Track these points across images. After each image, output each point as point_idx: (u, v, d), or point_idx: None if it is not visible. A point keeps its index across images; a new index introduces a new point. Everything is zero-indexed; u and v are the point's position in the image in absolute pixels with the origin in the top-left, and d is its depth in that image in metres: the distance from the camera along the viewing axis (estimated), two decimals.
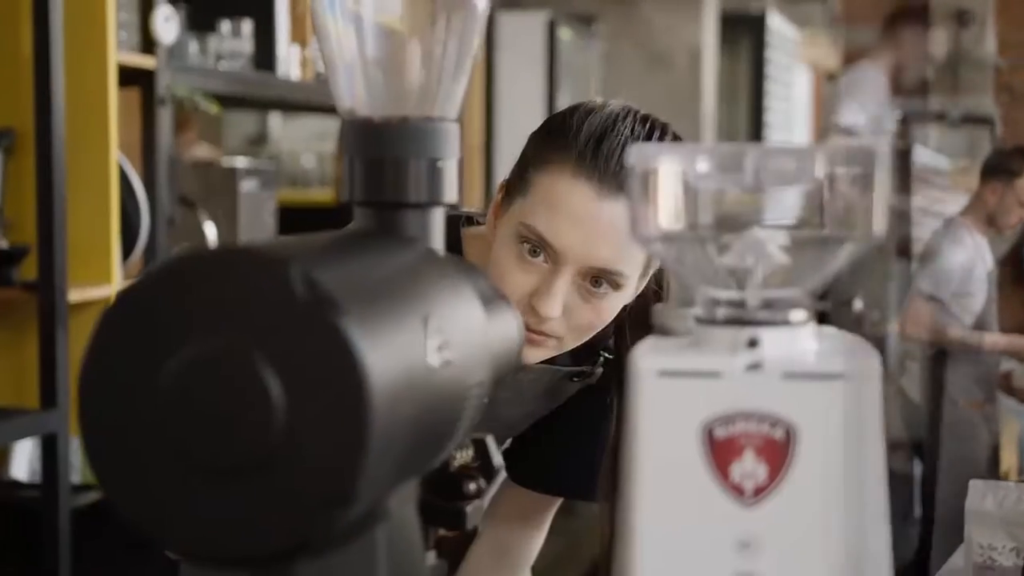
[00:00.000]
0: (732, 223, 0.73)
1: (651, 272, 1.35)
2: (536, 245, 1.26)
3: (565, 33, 4.97)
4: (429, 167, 0.82)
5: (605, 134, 1.27)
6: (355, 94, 0.83)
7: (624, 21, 5.47)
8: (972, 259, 4.03)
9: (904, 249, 4.52)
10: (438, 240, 0.83)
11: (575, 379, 1.44)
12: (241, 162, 3.06)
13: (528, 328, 1.26)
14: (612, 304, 1.29)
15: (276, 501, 0.61)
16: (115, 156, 2.50)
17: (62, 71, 2.37)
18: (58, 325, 2.31)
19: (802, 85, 8.99)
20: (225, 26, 3.01)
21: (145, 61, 2.64)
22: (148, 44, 2.65)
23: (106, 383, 0.64)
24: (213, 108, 2.73)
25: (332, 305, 0.61)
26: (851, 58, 9.87)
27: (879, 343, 4.22)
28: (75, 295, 2.41)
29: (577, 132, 1.27)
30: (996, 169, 4.13)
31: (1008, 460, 4.19)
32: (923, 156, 4.98)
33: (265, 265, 0.62)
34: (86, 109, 2.46)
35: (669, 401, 0.69)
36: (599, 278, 1.26)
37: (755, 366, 0.68)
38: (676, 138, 1.37)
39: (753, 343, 0.69)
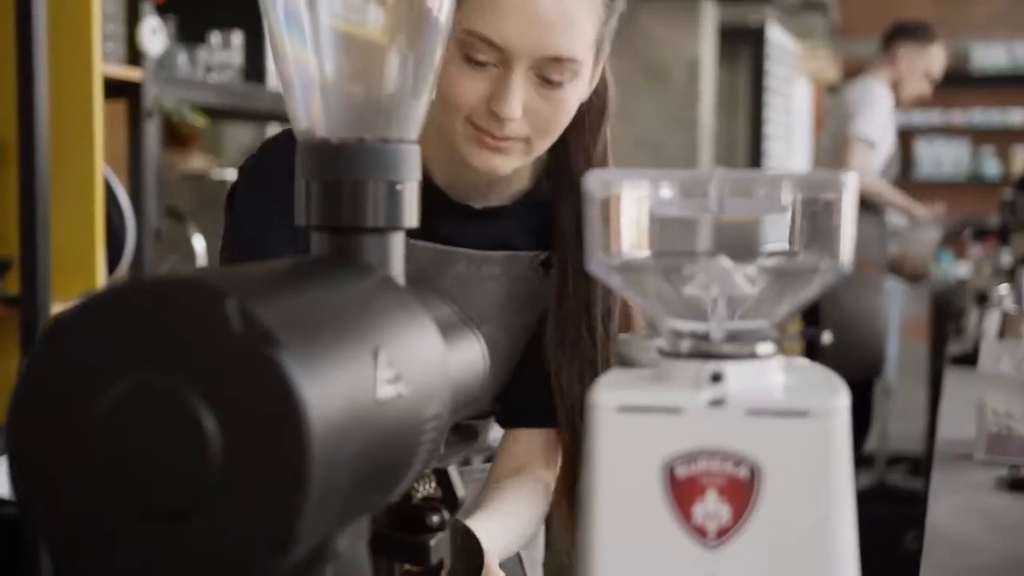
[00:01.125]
0: (696, 251, 0.70)
1: (603, 60, 1.32)
2: (481, 51, 1.21)
3: None
4: (388, 190, 0.79)
5: None
6: (312, 114, 0.81)
7: (622, 34, 5.43)
8: (890, 107, 4.41)
9: None
10: (398, 266, 0.80)
11: (541, 268, 1.40)
12: (233, 174, 3.03)
13: (492, 136, 1.24)
14: (570, 95, 1.25)
15: (212, 544, 0.59)
16: (100, 168, 2.47)
17: (46, 82, 2.34)
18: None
19: (802, 97, 8.96)
20: (215, 37, 2.98)
21: (131, 73, 2.61)
22: (135, 56, 2.63)
23: (37, 414, 0.61)
24: (199, 121, 2.71)
25: (269, 339, 0.58)
26: (851, 70, 9.86)
27: None
28: (58, 309, 2.38)
29: None
30: (910, 34, 4.52)
31: None
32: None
33: (202, 297, 0.59)
34: (71, 121, 2.44)
35: (629, 438, 0.66)
36: (552, 70, 1.22)
37: (718, 402, 0.66)
38: None
39: (716, 377, 0.67)
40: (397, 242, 0.80)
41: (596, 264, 0.69)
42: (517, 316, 1.39)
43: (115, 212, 2.53)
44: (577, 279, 1.34)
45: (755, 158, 7.45)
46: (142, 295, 0.60)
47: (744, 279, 0.68)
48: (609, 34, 1.30)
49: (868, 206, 4.56)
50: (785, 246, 0.69)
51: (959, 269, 8.68)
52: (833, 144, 4.47)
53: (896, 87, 4.51)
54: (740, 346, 0.68)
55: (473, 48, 1.21)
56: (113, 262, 2.55)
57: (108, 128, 2.54)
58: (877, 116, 4.41)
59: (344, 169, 0.78)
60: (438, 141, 1.32)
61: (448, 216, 1.37)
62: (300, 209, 0.80)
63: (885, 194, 4.53)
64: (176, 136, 3.34)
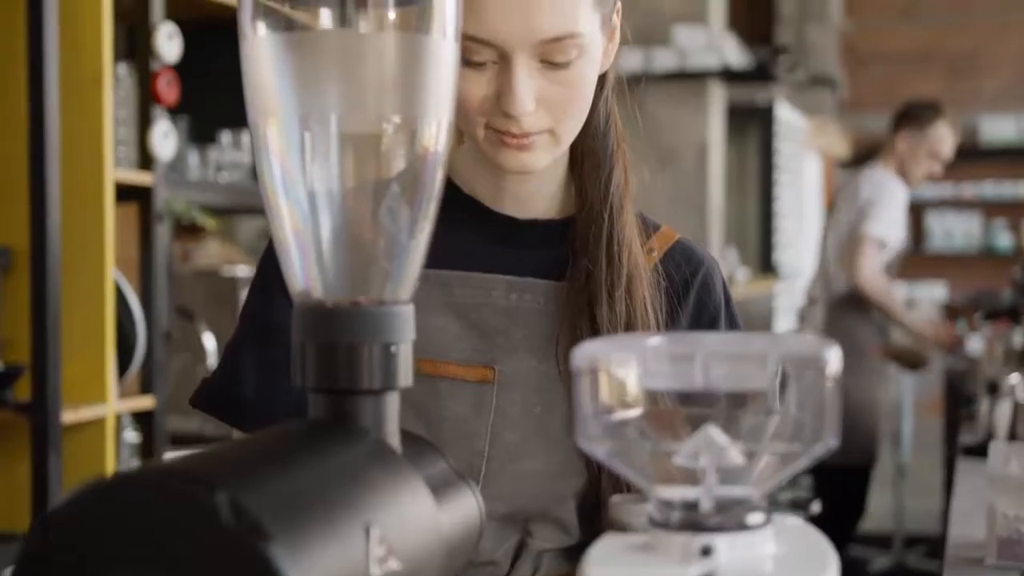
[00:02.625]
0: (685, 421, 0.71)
1: (615, 23, 1.23)
2: (475, 52, 1.13)
3: None
4: (383, 352, 0.80)
5: None
6: (308, 276, 0.82)
7: (630, 118, 5.48)
8: (904, 201, 4.41)
9: None
10: (392, 426, 0.81)
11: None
12: (243, 270, 3.06)
13: (513, 135, 1.16)
14: (583, 72, 1.16)
15: None
16: (111, 274, 2.49)
17: (58, 189, 2.37)
18: (51, 449, 2.29)
19: (812, 173, 9.01)
20: (225, 137, 3.02)
21: (143, 178, 2.64)
22: (146, 160, 2.66)
23: None
24: (209, 223, 2.73)
25: (259, 532, 0.59)
26: (861, 144, 9.91)
27: None
28: (69, 416, 2.39)
29: None
30: (910, 117, 4.54)
31: None
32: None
33: (191, 490, 0.60)
34: (83, 227, 2.47)
35: None
36: (555, 52, 1.13)
37: None
38: None
39: (707, 551, 0.67)
40: (392, 402, 0.81)
41: (583, 435, 0.69)
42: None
43: (126, 316, 2.55)
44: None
45: (766, 237, 7.48)
46: (131, 488, 0.60)
47: (735, 450, 0.69)
48: None
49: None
50: (775, 415, 0.70)
51: (972, 344, 8.66)
52: (847, 235, 4.49)
53: (903, 172, 4.54)
54: (730, 517, 0.68)
55: (467, 51, 1.14)
56: (123, 366, 2.56)
57: (119, 231, 2.57)
58: (891, 213, 4.45)
59: (340, 332, 0.79)
60: (473, 155, 1.25)
61: (493, 234, 1.28)
62: (296, 369, 0.81)
63: (892, 309, 4.52)
64: (189, 227, 3.37)
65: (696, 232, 5.45)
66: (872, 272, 4.39)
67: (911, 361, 4.82)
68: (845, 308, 4.50)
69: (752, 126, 7.40)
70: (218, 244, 3.81)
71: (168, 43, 2.65)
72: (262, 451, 0.69)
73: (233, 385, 1.27)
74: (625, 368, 0.69)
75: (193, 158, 2.91)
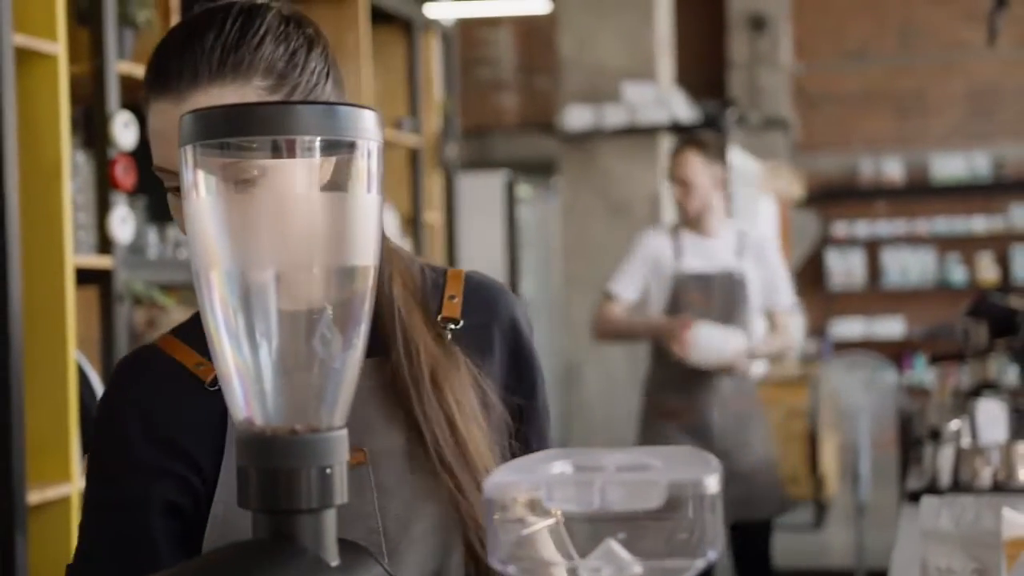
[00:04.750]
0: (588, 536, 0.79)
1: None
2: (169, 180, 1.20)
3: (524, 190, 5.09)
4: (319, 474, 0.88)
5: (168, 40, 1.22)
6: (249, 406, 0.90)
7: (582, 172, 5.61)
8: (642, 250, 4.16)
9: None
10: (329, 540, 0.89)
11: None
12: None
13: None
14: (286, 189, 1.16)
15: None
16: (73, 355, 2.56)
17: (20, 274, 2.44)
18: (16, 530, 2.34)
19: (767, 214, 9.15)
20: None
21: (102, 261, 2.71)
22: (105, 244, 2.73)
23: None
24: (168, 303, 2.81)
25: None
26: (814, 185, 10.09)
27: None
28: (34, 496, 2.45)
29: (149, 59, 1.23)
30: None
31: None
32: None
33: None
34: (45, 311, 2.53)
35: None
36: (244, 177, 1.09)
37: None
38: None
39: None
40: (329, 518, 0.89)
41: (494, 556, 0.78)
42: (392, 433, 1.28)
43: (88, 395, 2.61)
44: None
45: None
46: None
47: (635, 564, 0.77)
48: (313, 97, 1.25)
49: (701, 371, 4.11)
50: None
51: (928, 376, 8.81)
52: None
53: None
54: None
55: (167, 182, 1.22)
56: (87, 444, 2.62)
57: (79, 313, 2.64)
58: (624, 267, 4.20)
59: (279, 459, 0.88)
60: None
61: None
62: (241, 492, 0.89)
63: (625, 330, 4.18)
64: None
65: None
66: (598, 324, 4.16)
67: (684, 416, 4.20)
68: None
69: None
70: (181, 312, 3.88)
71: (124, 131, 2.73)
72: (209, 571, 0.77)
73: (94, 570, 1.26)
74: (532, 494, 0.78)
75: (152, 237, 2.99)
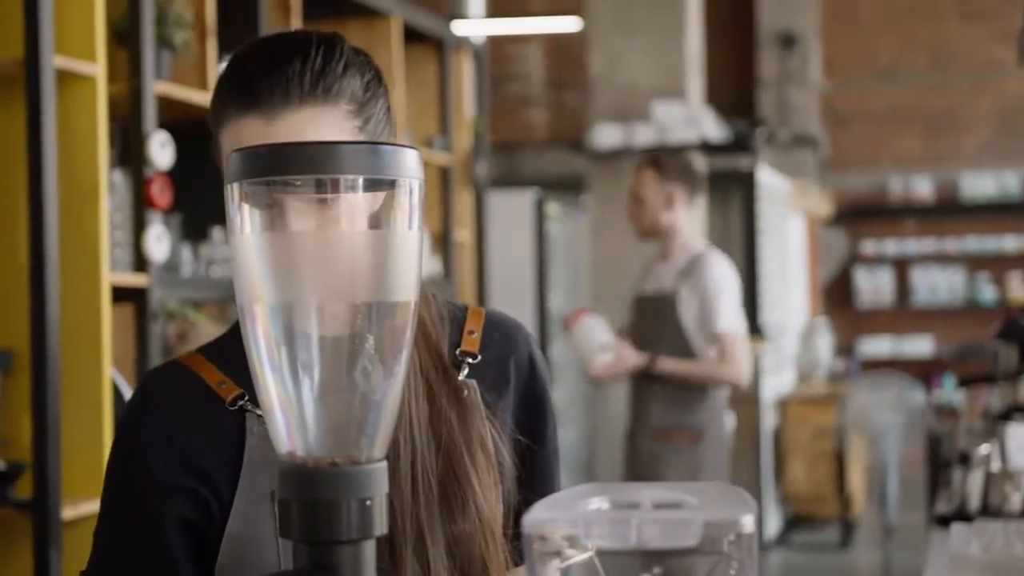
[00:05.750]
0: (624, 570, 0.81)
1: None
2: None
3: (553, 209, 5.11)
4: (359, 507, 0.90)
5: (249, 59, 1.24)
6: (292, 438, 0.92)
7: (612, 190, 5.62)
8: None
9: None
10: (369, 571, 0.91)
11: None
12: None
13: None
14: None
15: None
16: (108, 373, 2.59)
17: (57, 293, 2.48)
18: (52, 546, 2.37)
19: (796, 232, 9.14)
20: (217, 233, 3.13)
21: (138, 280, 2.75)
22: (141, 262, 2.76)
23: None
24: (201, 320, 2.84)
25: None
26: (843, 203, 10.07)
27: None
28: (69, 512, 2.48)
29: (224, 80, 1.25)
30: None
31: None
32: None
33: None
34: (81, 329, 2.56)
35: None
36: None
37: None
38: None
39: None
40: (369, 549, 0.91)
41: None
42: None
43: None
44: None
45: (751, 299, 7.59)
46: None
47: None
48: (378, 134, 1.27)
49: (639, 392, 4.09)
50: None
51: (956, 395, 8.76)
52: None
53: None
54: None
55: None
56: None
57: (115, 331, 2.67)
58: None
59: (320, 491, 0.89)
60: None
61: None
62: (282, 523, 0.91)
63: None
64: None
65: None
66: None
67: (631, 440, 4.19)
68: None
69: (734, 191, 7.53)
70: (211, 325, 3.91)
71: (160, 151, 2.77)
72: None
73: None
74: (569, 531, 0.79)
75: (186, 254, 3.02)
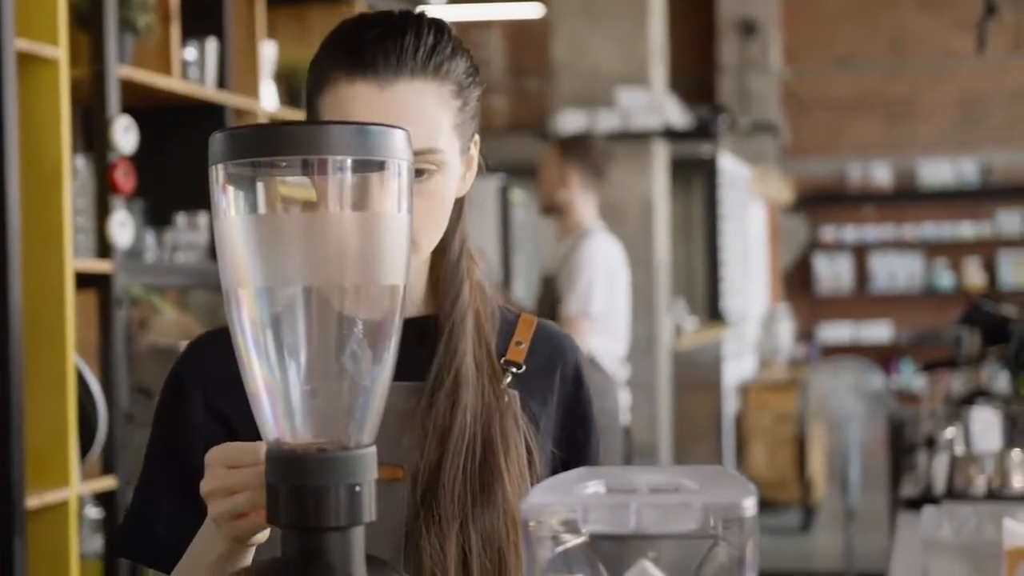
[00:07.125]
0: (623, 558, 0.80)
1: (473, 150, 1.30)
2: None
3: (517, 196, 5.10)
4: (348, 492, 0.88)
5: (362, 28, 1.24)
6: (279, 425, 0.90)
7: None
8: None
9: None
10: (358, 557, 0.89)
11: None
12: None
13: None
14: (441, 188, 1.23)
15: None
16: (72, 360, 2.56)
17: (20, 280, 2.44)
18: (16, 535, 2.34)
19: (756, 218, 9.17)
20: (181, 219, 3.10)
21: (101, 266, 2.71)
22: (104, 248, 2.73)
23: None
24: (165, 306, 2.81)
25: None
26: (804, 189, 10.11)
27: None
28: (33, 500, 2.45)
29: (332, 44, 1.24)
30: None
31: None
32: None
33: None
34: (44, 316, 2.53)
35: None
36: (417, 163, 1.14)
37: None
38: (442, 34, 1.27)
39: None
40: (358, 535, 0.90)
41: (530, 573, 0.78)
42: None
43: (87, 400, 2.61)
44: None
45: (713, 285, 7.62)
46: None
47: None
48: (469, 120, 1.28)
49: None
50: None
51: (916, 381, 8.84)
52: None
53: None
54: None
55: None
56: (85, 448, 2.62)
57: (78, 317, 2.63)
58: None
59: (308, 476, 0.88)
60: None
61: None
62: (270, 508, 0.90)
63: None
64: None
65: (644, 286, 5.56)
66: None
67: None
68: None
69: (696, 178, 7.54)
70: (174, 313, 3.87)
71: (124, 136, 2.73)
72: None
73: (149, 529, 1.29)
74: (567, 516, 0.78)
75: (150, 240, 2.98)
